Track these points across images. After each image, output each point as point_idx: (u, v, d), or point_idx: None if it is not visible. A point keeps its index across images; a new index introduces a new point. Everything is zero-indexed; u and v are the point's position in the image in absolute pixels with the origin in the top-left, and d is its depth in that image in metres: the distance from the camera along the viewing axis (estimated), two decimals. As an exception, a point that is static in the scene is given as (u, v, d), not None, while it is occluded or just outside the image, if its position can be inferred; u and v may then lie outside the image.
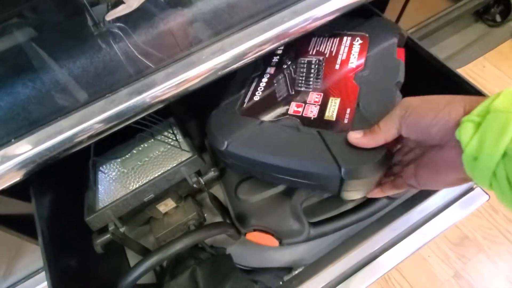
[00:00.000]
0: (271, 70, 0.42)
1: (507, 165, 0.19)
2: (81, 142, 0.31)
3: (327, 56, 0.42)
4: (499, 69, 0.94)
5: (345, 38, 0.43)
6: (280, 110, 0.37)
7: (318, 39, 0.44)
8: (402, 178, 0.32)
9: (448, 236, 0.80)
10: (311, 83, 0.39)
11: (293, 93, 0.39)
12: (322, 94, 0.37)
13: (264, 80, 0.41)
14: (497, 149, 0.19)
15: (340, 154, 0.31)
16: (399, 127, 0.27)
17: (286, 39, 0.35)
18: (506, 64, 0.94)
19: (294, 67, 0.42)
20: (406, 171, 0.31)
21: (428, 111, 0.24)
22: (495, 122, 0.20)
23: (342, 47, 0.42)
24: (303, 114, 0.36)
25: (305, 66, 0.41)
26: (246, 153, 0.34)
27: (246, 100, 0.39)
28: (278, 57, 0.44)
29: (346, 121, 0.34)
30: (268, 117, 0.37)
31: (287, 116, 0.36)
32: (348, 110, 0.35)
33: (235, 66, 0.34)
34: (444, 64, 0.40)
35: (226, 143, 0.35)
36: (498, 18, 1.00)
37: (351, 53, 0.41)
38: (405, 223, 0.44)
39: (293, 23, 0.34)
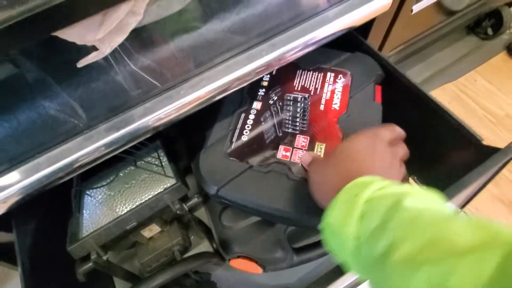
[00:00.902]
0: (257, 105, 0.42)
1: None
2: (61, 178, 0.31)
3: (312, 93, 0.43)
4: (490, 83, 0.94)
5: (328, 74, 0.44)
6: (268, 154, 0.38)
7: (303, 72, 0.45)
8: None
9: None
10: (297, 124, 0.40)
11: (280, 134, 0.39)
12: (308, 138, 0.38)
13: (251, 117, 0.41)
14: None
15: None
16: None
17: (265, 72, 0.35)
18: (497, 78, 0.94)
19: (280, 104, 0.42)
20: None
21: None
22: (337, 238, 0.24)
23: (326, 84, 0.43)
24: (291, 160, 0.37)
25: (291, 104, 0.42)
26: (236, 198, 0.35)
27: (234, 139, 0.39)
28: (264, 90, 0.44)
29: None
30: (257, 161, 0.37)
31: (276, 160, 0.37)
32: None
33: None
34: (422, 90, 0.40)
35: (216, 188, 0.36)
36: (490, 32, 1.00)
37: (334, 93, 0.42)
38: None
39: (272, 56, 0.35)
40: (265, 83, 0.45)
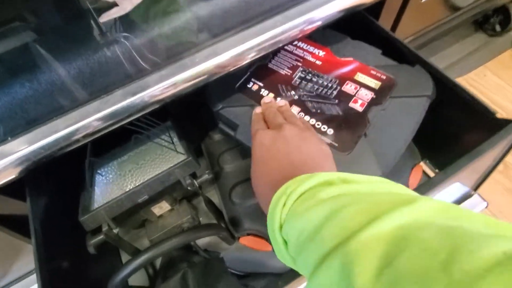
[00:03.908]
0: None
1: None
2: (77, 141, 0.32)
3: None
4: (500, 78, 0.94)
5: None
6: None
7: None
8: None
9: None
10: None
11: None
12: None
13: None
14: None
15: None
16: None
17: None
18: (507, 73, 0.94)
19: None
20: None
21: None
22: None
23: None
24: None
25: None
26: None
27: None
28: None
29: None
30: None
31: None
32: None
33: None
34: (434, 66, 0.40)
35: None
36: (497, 28, 1.00)
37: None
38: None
39: (286, 27, 0.35)
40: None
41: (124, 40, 0.32)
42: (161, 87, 0.33)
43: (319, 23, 0.38)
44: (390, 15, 0.57)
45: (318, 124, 0.37)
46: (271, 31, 0.35)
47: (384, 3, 0.50)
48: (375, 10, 0.48)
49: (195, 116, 0.52)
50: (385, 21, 0.57)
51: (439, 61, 0.92)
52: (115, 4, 0.24)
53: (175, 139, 0.47)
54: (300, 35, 0.37)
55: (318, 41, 0.45)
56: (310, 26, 0.37)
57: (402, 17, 0.59)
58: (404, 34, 0.67)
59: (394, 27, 0.61)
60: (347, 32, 0.46)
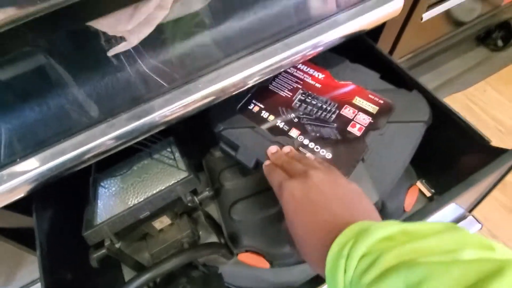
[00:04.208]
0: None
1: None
2: (83, 162, 0.33)
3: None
4: (500, 94, 0.94)
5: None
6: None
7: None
8: None
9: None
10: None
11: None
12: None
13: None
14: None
15: None
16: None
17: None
18: (507, 89, 0.95)
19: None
20: None
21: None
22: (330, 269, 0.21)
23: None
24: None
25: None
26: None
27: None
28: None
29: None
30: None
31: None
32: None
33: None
34: (431, 92, 0.41)
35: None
36: (500, 43, 1.01)
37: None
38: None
39: (285, 54, 0.36)
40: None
41: (130, 65, 0.33)
42: (166, 110, 0.34)
43: (321, 48, 0.39)
44: (390, 36, 0.58)
45: (316, 148, 0.38)
46: (275, 57, 0.36)
47: (384, 26, 0.51)
48: (374, 32, 0.49)
49: (197, 134, 0.53)
50: (384, 42, 0.58)
51: (439, 76, 0.92)
52: (122, 39, 0.26)
53: (177, 155, 0.49)
54: (301, 61, 0.38)
55: (318, 63, 0.46)
56: (312, 52, 0.38)
57: (402, 37, 0.60)
58: (404, 52, 0.68)
59: (393, 46, 0.62)
60: (347, 54, 0.47)
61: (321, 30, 0.38)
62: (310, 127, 0.40)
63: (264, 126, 0.40)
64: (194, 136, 0.54)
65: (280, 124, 0.40)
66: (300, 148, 0.38)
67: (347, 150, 0.37)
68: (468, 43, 0.98)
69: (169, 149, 0.50)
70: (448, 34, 0.78)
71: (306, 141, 0.38)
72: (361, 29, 0.41)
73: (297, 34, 0.37)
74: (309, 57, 0.39)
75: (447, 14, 0.69)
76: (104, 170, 0.50)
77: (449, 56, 0.92)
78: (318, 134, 0.39)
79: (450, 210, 0.45)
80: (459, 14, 0.73)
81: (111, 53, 0.26)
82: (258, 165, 0.40)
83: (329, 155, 0.37)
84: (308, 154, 0.37)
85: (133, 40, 0.25)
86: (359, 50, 0.48)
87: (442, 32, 0.76)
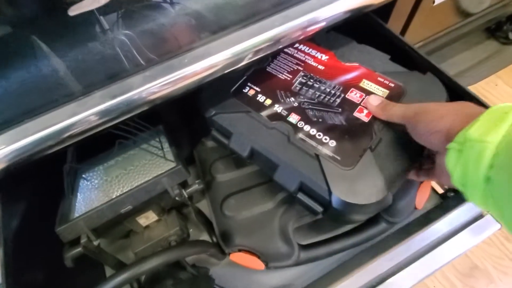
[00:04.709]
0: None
1: (490, 190, 0.20)
2: (51, 146, 0.29)
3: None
4: (512, 88, 0.90)
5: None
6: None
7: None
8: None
9: (456, 265, 0.74)
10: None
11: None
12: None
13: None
14: (478, 177, 0.21)
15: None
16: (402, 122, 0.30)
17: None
18: (519, 83, 0.90)
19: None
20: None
21: (425, 121, 0.27)
22: (471, 151, 0.21)
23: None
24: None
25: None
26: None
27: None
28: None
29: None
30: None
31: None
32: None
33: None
34: (448, 76, 0.37)
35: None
36: (510, 36, 0.97)
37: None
38: (406, 250, 0.40)
39: (285, 27, 0.32)
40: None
41: (106, 36, 0.29)
42: (146, 88, 0.30)
43: (323, 24, 0.34)
44: (399, 18, 0.54)
45: (319, 135, 0.33)
46: (270, 31, 0.31)
47: (394, 5, 0.47)
48: (383, 12, 0.45)
49: (188, 122, 0.49)
50: (393, 25, 0.53)
51: (448, 69, 0.87)
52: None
53: (165, 145, 0.44)
54: (302, 37, 0.34)
55: (321, 44, 0.42)
56: (313, 27, 0.34)
57: (412, 21, 0.56)
58: (413, 39, 0.64)
59: (402, 33, 0.58)
60: (353, 35, 0.42)
61: (324, 2, 0.33)
62: (311, 112, 0.35)
63: (260, 111, 0.36)
64: (186, 124, 0.50)
65: (278, 108, 0.36)
66: (300, 135, 0.33)
67: (354, 137, 0.33)
68: (478, 35, 0.93)
69: (157, 139, 0.45)
70: (459, 23, 0.74)
71: (307, 127, 0.34)
72: (369, 3, 0.36)
73: (297, 5, 0.33)
74: (311, 34, 0.34)
75: (459, 2, 0.64)
76: (86, 160, 0.46)
77: (458, 48, 0.88)
78: (320, 120, 0.34)
79: (466, 209, 0.41)
80: (469, 3, 0.69)
81: (73, 11, 0.21)
82: (253, 154, 0.35)
83: (333, 143, 0.32)
84: (309, 141, 0.33)
85: (101, -3, 0.21)
86: (367, 31, 0.44)
87: (453, 21, 0.72)
